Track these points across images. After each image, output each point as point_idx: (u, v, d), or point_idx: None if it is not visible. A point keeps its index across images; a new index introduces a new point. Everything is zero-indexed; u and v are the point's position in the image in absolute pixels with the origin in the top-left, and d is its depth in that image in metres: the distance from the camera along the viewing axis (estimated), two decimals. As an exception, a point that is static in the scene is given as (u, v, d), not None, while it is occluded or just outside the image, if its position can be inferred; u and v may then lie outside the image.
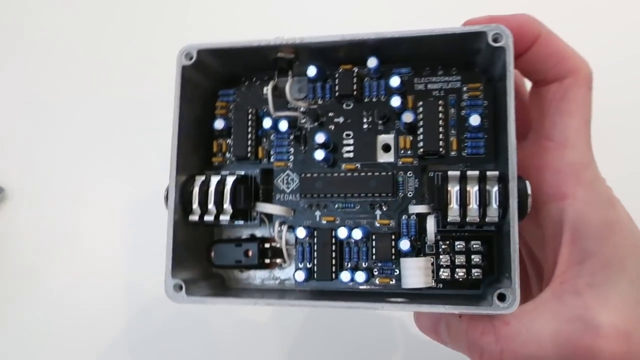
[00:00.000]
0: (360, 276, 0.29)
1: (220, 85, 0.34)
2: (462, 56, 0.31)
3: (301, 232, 0.31)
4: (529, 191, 0.27)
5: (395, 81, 0.30)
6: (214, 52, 0.31)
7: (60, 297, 0.54)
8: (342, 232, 0.30)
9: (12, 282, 0.55)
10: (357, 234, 0.30)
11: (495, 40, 0.28)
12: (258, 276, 0.34)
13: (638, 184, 0.42)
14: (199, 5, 0.60)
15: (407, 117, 0.30)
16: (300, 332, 0.49)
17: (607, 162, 0.30)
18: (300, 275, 0.30)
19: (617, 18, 0.52)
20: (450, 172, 0.28)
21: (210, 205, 0.31)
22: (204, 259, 0.33)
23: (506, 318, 0.27)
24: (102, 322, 0.53)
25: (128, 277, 0.54)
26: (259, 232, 0.34)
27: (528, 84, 0.32)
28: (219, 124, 0.32)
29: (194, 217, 0.31)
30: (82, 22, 0.61)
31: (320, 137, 0.31)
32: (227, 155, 0.33)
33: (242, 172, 0.32)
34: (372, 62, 0.31)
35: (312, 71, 0.31)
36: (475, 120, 0.29)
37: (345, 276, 0.30)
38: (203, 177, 0.31)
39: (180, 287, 0.29)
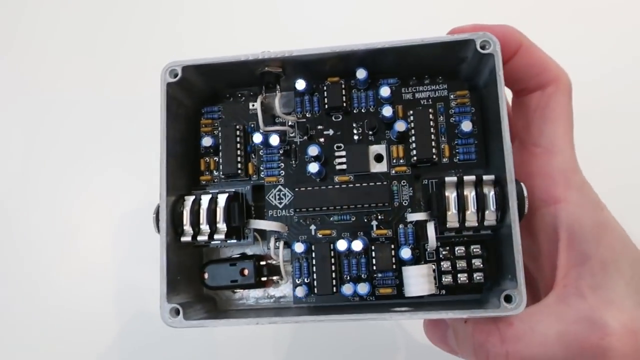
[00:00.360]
0: (363, 287, 0.29)
1: (202, 103, 0.33)
2: (447, 66, 0.31)
3: (299, 247, 0.30)
4: (526, 193, 0.28)
5: (385, 91, 0.31)
6: (199, 68, 0.30)
7: (56, 302, 0.51)
8: (341, 245, 0.30)
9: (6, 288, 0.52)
10: (357, 245, 0.30)
11: (482, 47, 0.28)
12: (252, 296, 0.33)
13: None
14: (189, 12, 0.59)
15: (400, 125, 0.30)
16: (300, 340, 0.48)
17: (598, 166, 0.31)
18: (301, 291, 0.30)
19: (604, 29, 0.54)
20: (447, 178, 0.28)
21: (203, 225, 0.30)
22: (196, 281, 0.32)
23: (510, 320, 0.27)
24: (99, 328, 0.51)
25: (123, 280, 0.51)
26: (249, 251, 0.33)
27: (509, 94, 0.33)
28: (206, 142, 0.31)
29: (187, 238, 0.30)
30: (75, 26, 0.59)
31: (313, 150, 0.30)
32: (215, 173, 0.32)
33: (233, 190, 0.31)
34: (361, 74, 0.31)
35: (300, 84, 0.31)
36: (467, 126, 0.30)
37: (347, 289, 0.29)
38: (193, 197, 0.30)
39: (177, 312, 0.28)
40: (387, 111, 0.30)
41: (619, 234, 0.28)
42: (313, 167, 0.30)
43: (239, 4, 0.58)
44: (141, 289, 0.50)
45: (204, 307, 0.31)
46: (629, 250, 0.28)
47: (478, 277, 0.29)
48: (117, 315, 0.50)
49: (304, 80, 0.31)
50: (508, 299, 0.26)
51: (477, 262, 0.29)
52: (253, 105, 0.33)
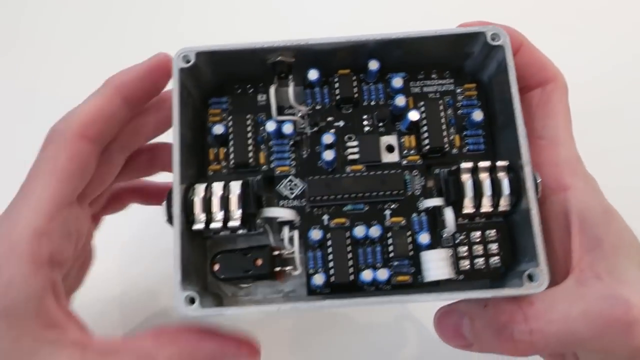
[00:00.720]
0: (383, 273, 0.29)
1: (209, 94, 0.33)
2: (453, 61, 0.32)
3: (316, 234, 0.29)
4: (539, 178, 0.29)
5: (397, 82, 0.31)
6: (212, 56, 0.30)
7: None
8: (359, 231, 0.29)
9: None
10: (375, 231, 0.29)
11: (493, 39, 0.30)
12: (259, 291, 0.32)
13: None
14: (190, 8, 0.58)
15: (413, 115, 0.31)
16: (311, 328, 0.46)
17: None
18: (320, 279, 0.29)
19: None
20: (462, 164, 0.29)
21: (217, 211, 0.29)
22: (201, 276, 0.30)
23: (531, 299, 0.27)
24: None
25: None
26: (255, 243, 0.32)
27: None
28: (217, 130, 0.31)
29: (199, 226, 0.29)
30: (75, 24, 0.58)
31: (328, 138, 0.30)
32: (224, 163, 0.32)
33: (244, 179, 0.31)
34: (373, 65, 0.31)
35: (313, 74, 0.31)
36: (478, 115, 0.31)
37: (366, 275, 0.29)
38: (204, 184, 0.29)
39: (193, 300, 0.27)
40: (400, 101, 0.31)
41: (623, 222, 0.30)
42: (328, 155, 0.30)
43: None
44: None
45: (211, 303, 0.30)
46: (634, 238, 0.29)
47: (495, 262, 0.30)
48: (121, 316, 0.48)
49: (316, 71, 0.31)
50: (531, 277, 0.27)
51: (493, 247, 0.30)
52: (262, 97, 0.33)
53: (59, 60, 0.56)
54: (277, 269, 0.30)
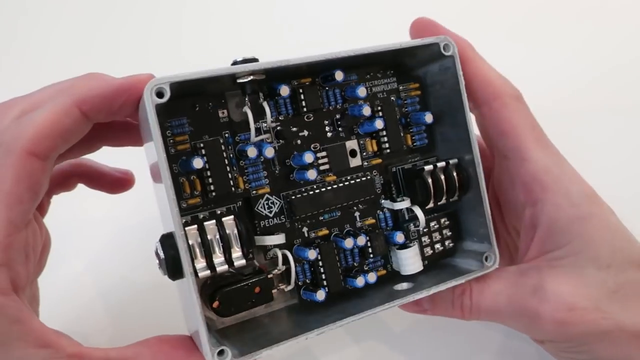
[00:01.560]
0: (372, 277, 0.32)
1: (165, 115, 0.29)
2: (395, 59, 0.34)
3: (312, 254, 0.31)
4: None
5: (362, 92, 0.32)
6: (182, 83, 0.27)
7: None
8: (348, 243, 0.31)
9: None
10: (362, 240, 0.32)
11: (445, 49, 0.32)
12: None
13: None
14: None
15: (379, 123, 0.32)
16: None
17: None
18: (322, 295, 0.31)
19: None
20: (426, 167, 0.33)
21: (217, 255, 0.28)
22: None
23: (479, 278, 0.32)
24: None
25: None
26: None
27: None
28: (197, 163, 0.28)
29: (205, 273, 0.27)
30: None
31: (309, 157, 0.31)
32: (196, 192, 0.29)
33: (224, 209, 0.30)
34: (339, 76, 0.31)
35: (285, 91, 0.30)
36: (429, 118, 0.34)
37: (360, 281, 0.32)
38: (194, 226, 0.28)
39: (222, 352, 0.27)
40: (366, 111, 0.32)
41: (604, 225, 0.30)
42: (312, 175, 0.31)
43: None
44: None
45: (217, 332, 0.30)
46: (614, 240, 0.30)
47: (450, 244, 0.35)
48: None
49: (287, 87, 0.30)
50: (486, 259, 0.33)
51: (447, 232, 0.35)
52: (223, 113, 0.30)
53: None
54: (275, 290, 0.31)
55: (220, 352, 0.27)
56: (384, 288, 0.33)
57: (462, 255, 0.35)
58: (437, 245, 0.35)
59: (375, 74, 0.34)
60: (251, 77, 0.28)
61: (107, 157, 0.35)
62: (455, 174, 0.33)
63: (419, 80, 0.35)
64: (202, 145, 0.29)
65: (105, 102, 0.27)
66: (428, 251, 0.35)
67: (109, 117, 0.28)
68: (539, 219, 0.31)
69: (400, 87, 0.35)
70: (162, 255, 0.27)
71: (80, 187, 0.37)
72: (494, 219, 0.33)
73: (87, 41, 0.54)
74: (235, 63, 0.28)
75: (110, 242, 0.45)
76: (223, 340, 0.29)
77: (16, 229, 0.26)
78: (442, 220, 0.35)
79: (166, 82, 0.26)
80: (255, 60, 0.28)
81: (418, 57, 0.34)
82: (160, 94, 0.26)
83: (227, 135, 0.30)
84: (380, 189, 0.34)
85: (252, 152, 0.29)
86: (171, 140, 0.29)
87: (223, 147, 0.29)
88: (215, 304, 0.29)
